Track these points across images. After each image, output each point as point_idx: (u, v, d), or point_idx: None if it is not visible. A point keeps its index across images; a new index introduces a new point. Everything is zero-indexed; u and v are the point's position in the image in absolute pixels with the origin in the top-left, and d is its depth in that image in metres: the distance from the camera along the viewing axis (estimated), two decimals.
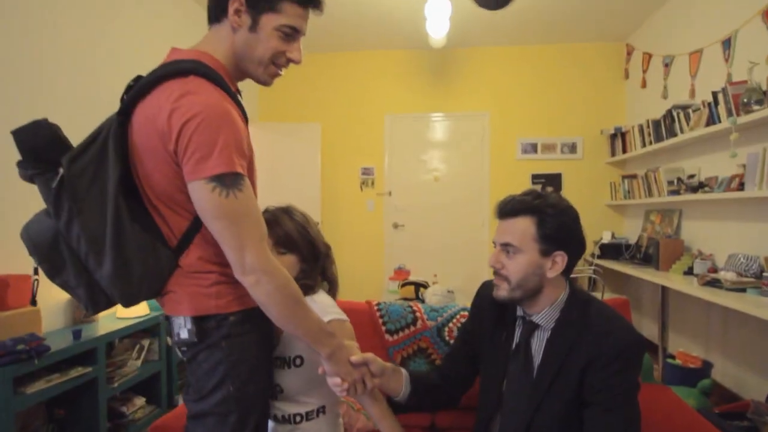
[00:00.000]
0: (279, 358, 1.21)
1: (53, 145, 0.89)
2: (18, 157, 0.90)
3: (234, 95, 0.98)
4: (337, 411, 1.32)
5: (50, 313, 2.41)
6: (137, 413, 2.55)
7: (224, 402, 0.99)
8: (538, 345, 1.14)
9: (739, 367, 2.85)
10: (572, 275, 1.19)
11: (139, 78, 0.98)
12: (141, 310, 2.69)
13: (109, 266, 0.90)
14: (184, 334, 0.98)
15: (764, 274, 2.52)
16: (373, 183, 4.99)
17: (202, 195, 0.89)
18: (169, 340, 2.79)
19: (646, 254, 3.66)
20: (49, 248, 0.93)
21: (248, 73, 1.05)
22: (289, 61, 1.06)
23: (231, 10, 0.99)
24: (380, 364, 1.14)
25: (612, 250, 4.07)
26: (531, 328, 1.15)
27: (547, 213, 1.10)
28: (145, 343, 2.67)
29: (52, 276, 0.96)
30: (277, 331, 1.20)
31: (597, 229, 4.44)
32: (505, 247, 1.13)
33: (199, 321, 0.97)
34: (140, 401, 2.59)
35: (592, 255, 4.15)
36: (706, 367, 2.76)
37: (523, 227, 1.11)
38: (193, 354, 1.00)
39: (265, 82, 1.07)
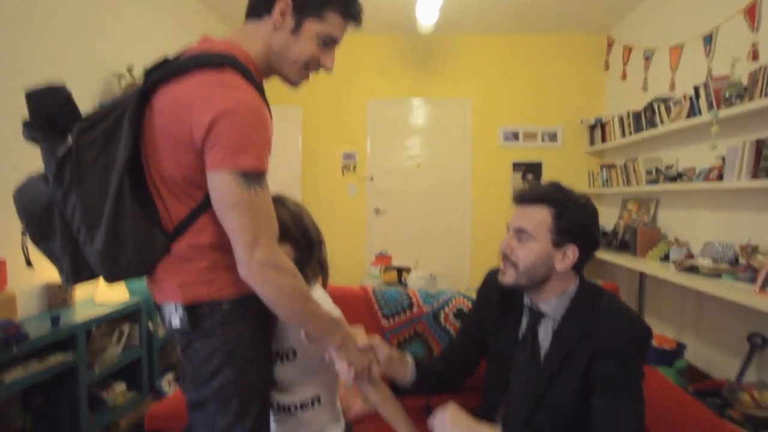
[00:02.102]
0: (272, 351, 1.19)
1: (67, 112, 0.87)
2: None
3: (262, 91, 0.98)
4: (334, 400, 1.32)
5: (25, 299, 2.30)
6: (118, 399, 2.49)
7: (224, 389, 0.98)
8: (545, 334, 1.15)
9: (710, 348, 2.97)
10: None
11: (165, 61, 0.96)
12: (121, 296, 2.61)
13: (101, 243, 0.89)
14: (176, 322, 0.97)
15: (739, 260, 2.63)
16: (355, 168, 4.96)
17: (224, 185, 0.88)
18: (150, 325, 2.72)
19: (622, 241, 3.75)
20: (41, 215, 0.91)
21: (281, 72, 1.07)
22: (321, 66, 1.07)
23: (277, 9, 1.00)
24: (386, 350, 1.15)
25: None
26: (538, 317, 1.16)
27: (566, 206, 1.10)
28: (126, 329, 2.59)
29: (38, 241, 0.94)
30: (271, 322, 1.19)
31: None
32: (519, 233, 1.13)
33: (191, 308, 0.96)
34: (121, 387, 2.52)
35: None
36: (680, 348, 2.88)
37: (541, 216, 1.11)
38: (188, 342, 0.99)
39: (294, 83, 1.09)
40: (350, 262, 4.91)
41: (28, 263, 0.98)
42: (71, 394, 2.17)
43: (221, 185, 0.89)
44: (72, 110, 0.89)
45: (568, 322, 1.12)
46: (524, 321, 1.20)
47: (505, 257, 1.16)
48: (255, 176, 0.89)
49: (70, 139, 0.86)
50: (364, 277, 4.30)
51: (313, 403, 1.24)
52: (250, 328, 1.02)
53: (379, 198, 5.00)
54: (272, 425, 1.23)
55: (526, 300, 1.20)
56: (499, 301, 1.25)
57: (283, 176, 4.60)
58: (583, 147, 4.78)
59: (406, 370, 1.22)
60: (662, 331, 3.32)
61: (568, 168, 4.76)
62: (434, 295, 1.89)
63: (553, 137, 4.81)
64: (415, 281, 3.70)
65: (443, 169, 4.95)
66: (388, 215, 5.00)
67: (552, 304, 1.14)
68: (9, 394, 1.92)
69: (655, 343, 2.91)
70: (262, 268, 0.90)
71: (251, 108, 0.88)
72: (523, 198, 1.15)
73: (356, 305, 1.86)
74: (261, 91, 0.98)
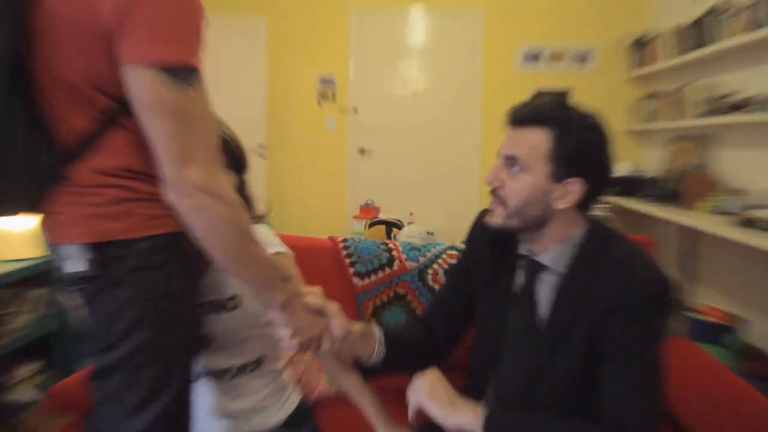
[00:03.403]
0: (208, 302, 1.21)
1: None
2: None
3: None
4: (279, 367, 1.36)
5: None
6: (34, 380, 2.48)
7: (137, 352, 0.98)
8: (544, 290, 1.15)
9: None
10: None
11: None
12: (25, 250, 2.52)
13: None
14: (77, 266, 0.96)
15: None
16: (334, 96, 4.93)
17: (146, 84, 0.87)
18: None
19: (669, 190, 3.74)
20: None
21: None
22: None
23: None
24: (343, 322, 1.15)
25: (629, 186, 4.16)
26: (536, 269, 1.17)
27: (568, 128, 1.08)
28: (33, 294, 2.54)
29: None
30: (204, 265, 1.20)
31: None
32: (509, 161, 1.13)
33: (97, 249, 0.95)
34: (35, 366, 2.51)
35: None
36: (737, 323, 2.87)
37: (536, 140, 1.10)
38: (92, 293, 0.98)
39: None
40: (328, 216, 4.96)
41: None
42: None
43: (141, 84, 0.87)
44: None
45: (573, 276, 1.11)
46: (520, 275, 1.20)
47: (493, 193, 1.16)
48: (185, 73, 0.89)
49: None
50: (346, 234, 4.28)
51: (254, 367, 1.27)
52: (174, 274, 1.01)
53: (365, 135, 4.98)
54: (200, 399, 1.25)
55: (524, 249, 1.20)
56: (490, 249, 1.24)
57: (243, 108, 4.57)
58: (622, 71, 4.73)
59: (371, 345, 1.22)
60: (713, 302, 3.32)
61: (604, 98, 4.70)
62: (420, 249, 1.87)
63: (585, 59, 4.75)
64: (408, 239, 3.67)
65: (446, 99, 4.91)
66: (375, 156, 4.99)
67: (553, 253, 1.14)
68: None
69: (702, 315, 2.92)
70: (194, 191, 0.90)
71: None
72: (515, 118, 1.14)
73: (322, 261, 1.86)
74: None
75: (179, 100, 0.89)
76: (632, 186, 4.14)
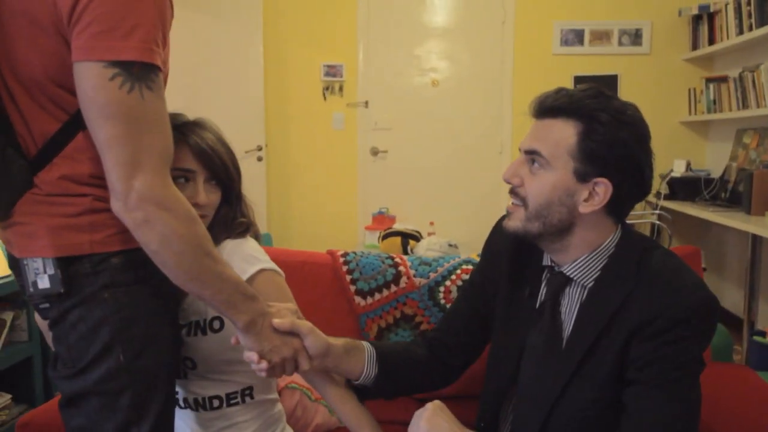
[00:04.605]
0: (189, 323, 1.27)
1: None
2: None
3: None
4: (273, 397, 1.41)
5: None
6: (0, 415, 2.59)
7: (112, 377, 1.02)
8: (570, 306, 1.17)
9: None
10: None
11: None
12: None
13: None
14: (43, 283, 1.00)
15: None
16: (341, 88, 4.93)
17: (95, 82, 0.91)
18: None
19: (734, 192, 3.75)
20: None
21: None
22: None
23: None
24: (322, 340, 1.17)
25: (686, 188, 4.15)
26: (561, 282, 1.18)
27: (599, 120, 1.09)
28: (7, 317, 2.68)
29: None
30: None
31: (667, 157, 4.48)
32: (531, 156, 1.14)
33: (66, 263, 0.99)
34: (4, 399, 2.62)
35: (657, 195, 4.23)
36: None
37: (561, 134, 1.11)
38: (61, 312, 1.02)
39: None
40: (336, 227, 4.96)
41: None
42: None
43: (89, 83, 0.91)
44: None
45: (602, 291, 1.13)
46: (544, 289, 1.22)
47: (512, 192, 1.18)
48: (139, 71, 0.92)
49: None
50: (357, 248, 4.36)
51: (243, 398, 1.31)
52: (151, 291, 1.06)
53: (378, 133, 4.96)
54: (184, 425, 1.32)
55: (547, 260, 1.22)
56: (510, 260, 1.27)
57: (236, 102, 4.58)
58: (680, 52, 4.71)
59: (360, 362, 1.24)
60: None
61: (658, 83, 4.71)
62: (431, 263, 1.93)
63: (636, 38, 4.73)
64: (426, 253, 3.74)
65: (471, 90, 4.88)
66: (389, 158, 4.98)
67: (580, 264, 1.15)
68: None
69: (763, 338, 2.96)
70: (142, 203, 0.93)
71: None
72: (540, 108, 1.16)
73: (320, 278, 1.91)
74: None
75: (129, 101, 0.91)
76: (689, 188, 4.11)
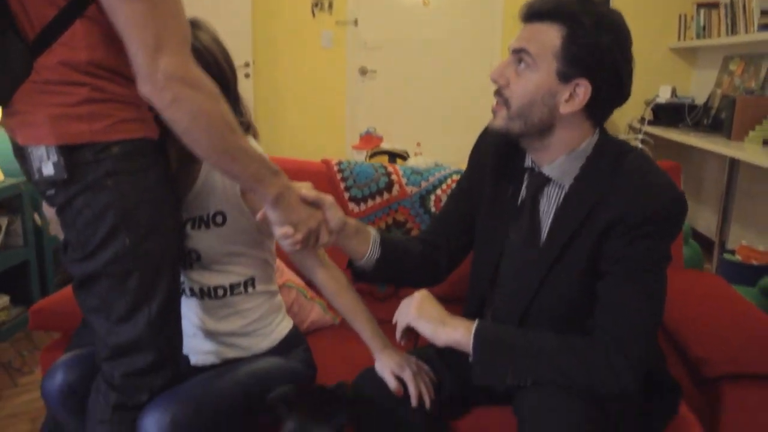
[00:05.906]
0: (192, 218, 1.33)
1: None
2: None
3: None
4: (273, 289, 1.48)
5: None
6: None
7: (119, 259, 1.08)
8: (548, 204, 1.25)
9: None
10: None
11: None
12: None
13: None
14: (48, 170, 1.03)
15: None
16: (330, 6, 4.88)
17: None
18: (37, 217, 2.86)
19: (716, 118, 3.80)
20: None
21: None
22: None
23: None
24: (341, 214, 1.24)
25: (670, 114, 4.21)
26: (540, 182, 1.25)
27: (582, 23, 1.12)
28: (2, 222, 2.73)
29: None
30: (184, 185, 1.32)
31: (653, 83, 4.50)
32: (518, 55, 1.19)
33: (68, 151, 1.03)
34: (2, 300, 2.72)
35: (642, 120, 4.29)
36: None
37: (547, 36, 1.16)
38: (67, 198, 1.07)
39: None
40: (323, 146, 4.98)
41: None
42: None
43: None
44: None
45: (579, 191, 1.20)
46: (524, 189, 1.30)
47: (497, 93, 1.23)
48: None
49: None
50: None
51: (246, 288, 1.39)
52: (154, 180, 1.11)
53: (367, 52, 4.95)
54: (187, 318, 1.38)
55: (528, 161, 1.29)
56: (493, 162, 1.34)
57: (223, 15, 4.49)
58: None
59: (366, 243, 1.30)
60: (751, 242, 3.48)
61: (649, 7, 4.69)
62: (423, 173, 2.00)
63: None
64: None
65: (462, 9, 4.86)
66: (379, 77, 4.98)
67: (558, 165, 1.22)
68: None
69: (740, 256, 3.08)
70: (170, 82, 0.96)
71: None
72: (528, 12, 1.20)
73: (315, 185, 1.85)
74: None
75: None
76: (673, 114, 4.17)
